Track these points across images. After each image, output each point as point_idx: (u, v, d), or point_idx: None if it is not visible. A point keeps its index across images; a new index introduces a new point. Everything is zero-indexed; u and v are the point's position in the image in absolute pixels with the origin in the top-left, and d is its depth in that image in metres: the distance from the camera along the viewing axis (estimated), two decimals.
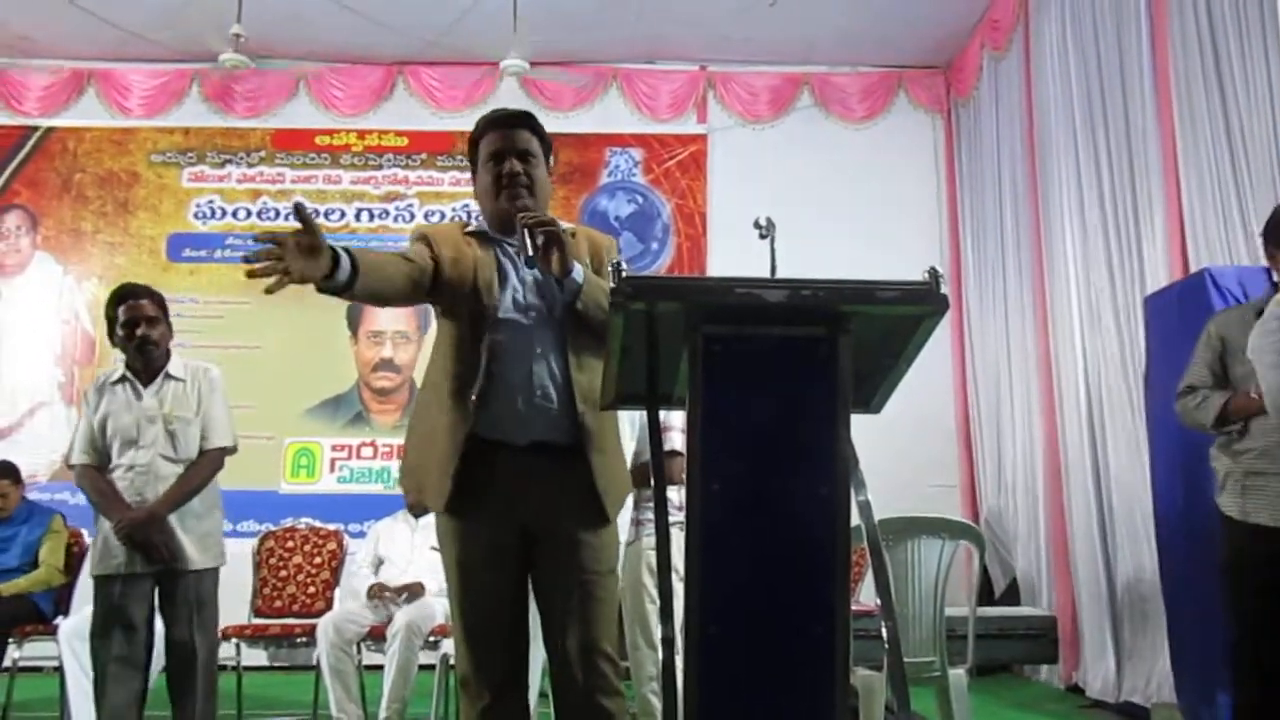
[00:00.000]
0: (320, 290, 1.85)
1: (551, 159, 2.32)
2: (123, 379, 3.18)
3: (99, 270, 6.98)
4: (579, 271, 2.10)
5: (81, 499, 6.44)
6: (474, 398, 2.09)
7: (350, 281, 1.88)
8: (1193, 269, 4.20)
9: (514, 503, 2.13)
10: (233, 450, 3.27)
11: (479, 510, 2.15)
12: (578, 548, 2.15)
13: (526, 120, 2.25)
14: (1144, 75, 4.74)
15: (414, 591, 4.21)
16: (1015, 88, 6.12)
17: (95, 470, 3.12)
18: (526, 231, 2.02)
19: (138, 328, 3.14)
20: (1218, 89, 4.19)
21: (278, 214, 7.09)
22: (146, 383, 3.17)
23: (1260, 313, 2.78)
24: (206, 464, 3.17)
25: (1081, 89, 5.29)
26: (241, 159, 7.16)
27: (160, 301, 3.24)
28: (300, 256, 1.76)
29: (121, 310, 3.17)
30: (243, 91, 7.16)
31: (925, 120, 7.29)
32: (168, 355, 3.22)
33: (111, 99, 7.14)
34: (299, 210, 1.80)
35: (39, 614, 4.44)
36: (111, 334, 3.22)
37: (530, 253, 2.01)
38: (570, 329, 2.14)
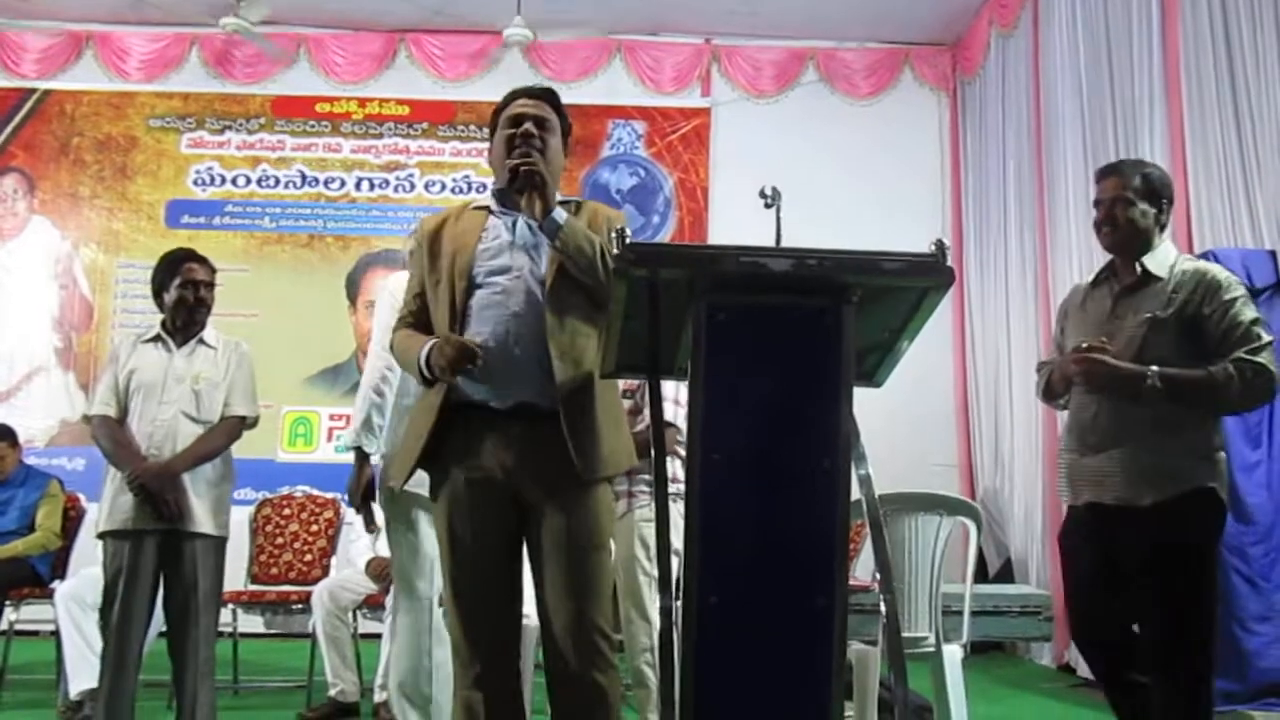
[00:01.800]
0: (439, 380, 2.11)
1: (569, 140, 2.38)
2: (156, 338, 3.22)
3: (97, 235, 6.94)
4: (559, 213, 2.15)
5: (80, 462, 6.45)
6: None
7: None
8: (1197, 250, 4.19)
9: (501, 471, 2.12)
10: (253, 423, 3.29)
11: (466, 479, 2.14)
12: (569, 519, 2.13)
13: (549, 95, 2.33)
14: (1152, 55, 4.70)
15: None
16: (1022, 66, 6.07)
17: (115, 422, 3.12)
18: (508, 170, 2.15)
19: (198, 289, 3.21)
20: (1227, 69, 4.16)
21: (277, 181, 7.04)
22: (180, 345, 3.19)
23: (1095, 284, 2.64)
24: (225, 429, 3.18)
25: (1089, 68, 5.25)
26: (241, 125, 7.10)
27: (213, 269, 3.34)
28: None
29: (180, 272, 3.23)
30: (242, 57, 7.10)
31: (931, 98, 7.24)
32: (204, 324, 3.26)
33: (110, 62, 7.07)
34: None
35: (36, 577, 4.45)
36: (160, 293, 3.26)
37: (504, 185, 2.15)
38: (556, 289, 2.15)
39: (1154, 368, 2.37)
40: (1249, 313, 2.43)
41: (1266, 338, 2.41)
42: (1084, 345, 2.45)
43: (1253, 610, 3.63)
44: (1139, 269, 2.51)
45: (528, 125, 2.23)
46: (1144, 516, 2.39)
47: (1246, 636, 3.62)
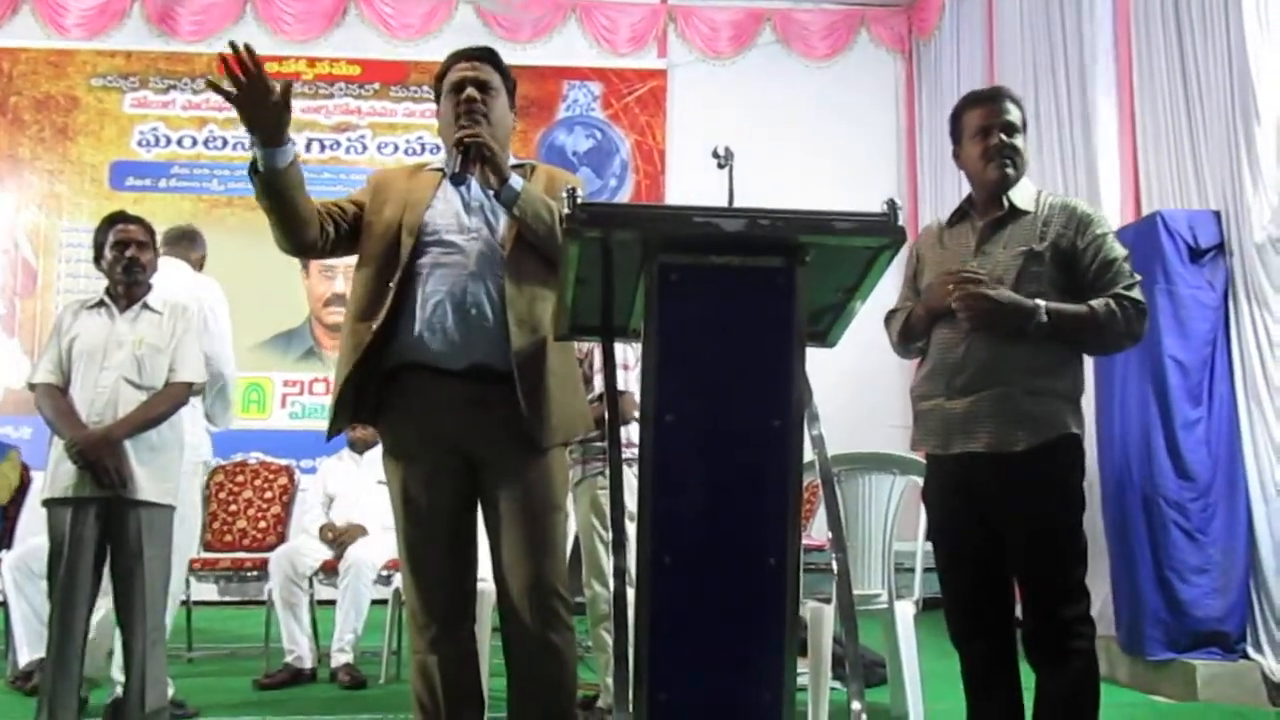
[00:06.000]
0: (265, 149, 1.99)
1: (515, 98, 2.35)
2: (100, 303, 3.15)
3: (38, 199, 6.75)
4: (516, 181, 2.12)
5: (26, 431, 6.32)
6: (375, 328, 2.09)
7: (290, 165, 2.04)
8: (1145, 211, 4.26)
9: (454, 432, 2.11)
10: (200, 390, 3.25)
11: (419, 441, 2.13)
12: (524, 482, 2.13)
13: (488, 55, 2.30)
14: (1103, 17, 4.75)
15: (353, 535, 4.21)
16: (977, 28, 6.10)
17: (58, 390, 3.08)
18: (455, 147, 2.12)
19: (127, 249, 3.15)
20: (1175, 31, 4.20)
21: (225, 143, 6.89)
22: (124, 309, 3.13)
23: (951, 223, 2.48)
24: (168, 395, 3.13)
25: (1041, 30, 5.29)
26: (186, 85, 6.91)
27: (150, 230, 3.28)
28: (255, 97, 1.92)
29: (112, 233, 3.18)
30: (187, 14, 6.90)
31: (887, 60, 7.25)
32: (149, 287, 3.20)
33: (48, 18, 6.83)
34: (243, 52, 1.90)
35: None
36: (98, 258, 3.23)
37: (457, 168, 2.12)
38: (514, 254, 2.13)
39: (1041, 301, 2.23)
40: (1120, 249, 2.33)
41: (1137, 275, 2.33)
42: (956, 272, 2.27)
43: (1191, 563, 3.74)
44: (1006, 203, 2.36)
45: (470, 90, 2.20)
46: (1016, 463, 2.24)
47: (1185, 588, 3.73)
